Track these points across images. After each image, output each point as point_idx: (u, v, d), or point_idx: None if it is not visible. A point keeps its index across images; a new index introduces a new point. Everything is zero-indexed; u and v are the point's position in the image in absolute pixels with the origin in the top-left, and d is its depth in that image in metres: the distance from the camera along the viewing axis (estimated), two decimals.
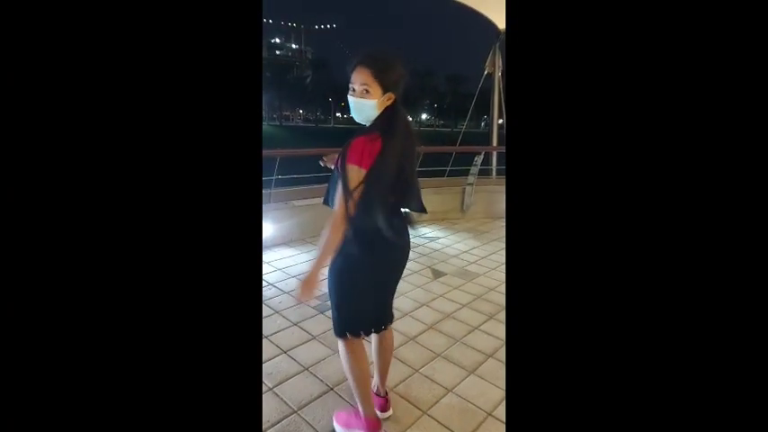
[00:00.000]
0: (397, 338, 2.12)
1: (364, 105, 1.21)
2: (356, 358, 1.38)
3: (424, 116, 70.81)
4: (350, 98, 1.24)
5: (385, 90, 1.20)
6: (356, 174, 1.15)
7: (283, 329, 2.17)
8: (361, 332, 1.38)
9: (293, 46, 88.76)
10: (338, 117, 63.38)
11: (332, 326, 1.39)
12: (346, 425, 1.49)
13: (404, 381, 1.78)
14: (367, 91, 1.19)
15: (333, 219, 1.18)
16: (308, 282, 1.20)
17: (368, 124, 1.24)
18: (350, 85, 1.23)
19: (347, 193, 1.16)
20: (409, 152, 1.29)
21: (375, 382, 1.59)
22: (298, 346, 2.03)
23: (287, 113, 69.05)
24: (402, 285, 2.80)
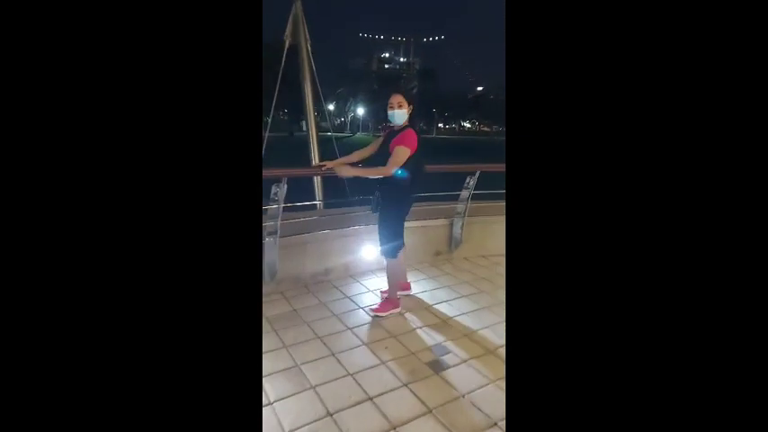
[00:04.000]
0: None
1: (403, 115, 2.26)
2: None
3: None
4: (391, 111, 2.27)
5: (408, 104, 2.24)
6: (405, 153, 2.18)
7: (337, 333, 2.21)
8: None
9: (401, 59, 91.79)
10: (440, 128, 63.09)
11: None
12: (385, 309, 2.40)
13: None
14: (400, 106, 2.22)
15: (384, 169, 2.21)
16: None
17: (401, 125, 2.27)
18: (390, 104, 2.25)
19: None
20: None
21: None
22: (347, 350, 2.04)
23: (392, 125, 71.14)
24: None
